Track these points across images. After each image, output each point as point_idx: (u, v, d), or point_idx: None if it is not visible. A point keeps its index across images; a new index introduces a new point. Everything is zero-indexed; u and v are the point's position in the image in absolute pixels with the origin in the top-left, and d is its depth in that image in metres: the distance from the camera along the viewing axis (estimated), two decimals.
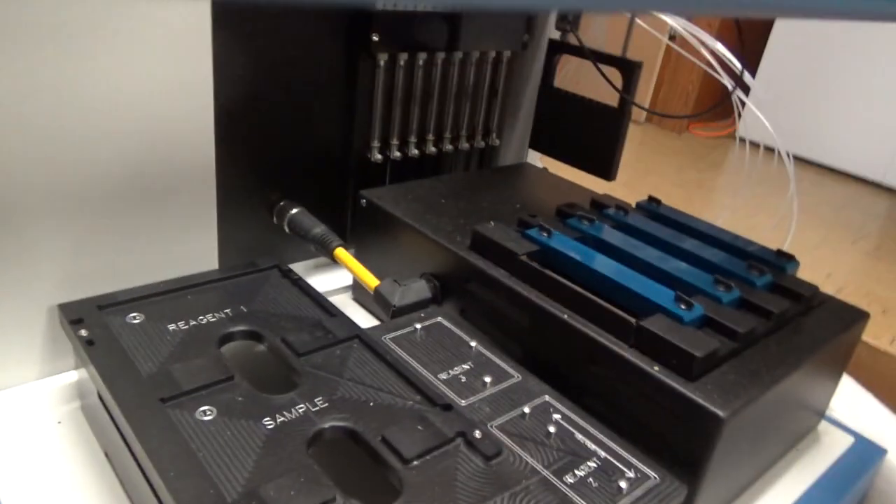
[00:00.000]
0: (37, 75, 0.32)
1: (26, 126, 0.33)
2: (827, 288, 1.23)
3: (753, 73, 1.84)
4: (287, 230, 0.48)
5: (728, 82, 0.60)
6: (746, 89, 0.62)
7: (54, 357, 0.38)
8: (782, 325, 0.36)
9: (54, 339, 0.37)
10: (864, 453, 0.42)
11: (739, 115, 0.64)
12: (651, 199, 0.46)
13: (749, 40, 1.91)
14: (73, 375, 0.38)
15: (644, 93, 1.89)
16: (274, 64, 0.44)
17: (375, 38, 0.45)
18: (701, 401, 0.29)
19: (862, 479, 0.40)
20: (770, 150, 2.01)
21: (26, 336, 0.36)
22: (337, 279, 0.50)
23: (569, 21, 0.47)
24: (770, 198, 1.63)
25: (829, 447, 0.41)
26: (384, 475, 0.28)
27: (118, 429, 0.30)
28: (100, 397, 0.32)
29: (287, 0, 0.36)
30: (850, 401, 0.47)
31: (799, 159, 1.83)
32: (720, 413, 0.29)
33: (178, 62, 0.36)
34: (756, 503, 0.36)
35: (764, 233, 1.46)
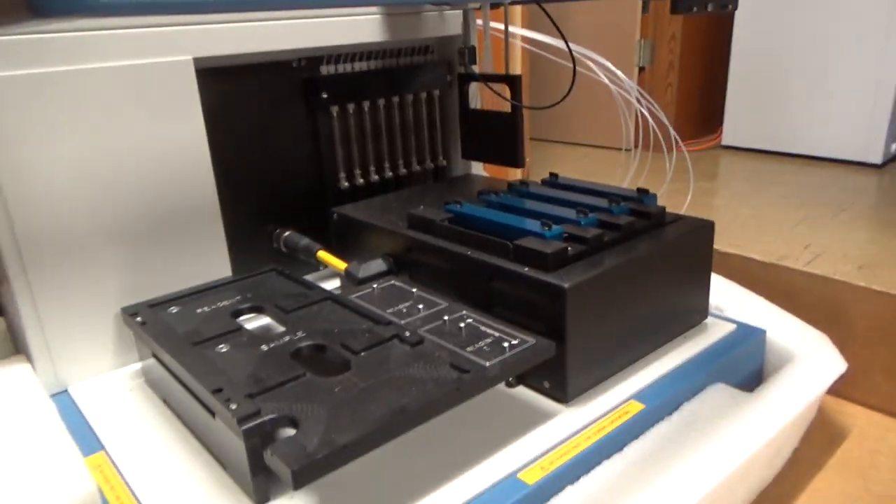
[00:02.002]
0: (91, 148, 0.48)
1: (89, 183, 0.49)
2: (804, 256, 1.32)
3: (725, 83, 1.97)
4: (284, 250, 0.62)
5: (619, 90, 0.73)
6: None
7: (123, 353, 0.52)
8: (632, 236, 0.48)
9: (121, 339, 0.52)
10: (743, 333, 0.53)
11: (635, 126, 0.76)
12: (551, 174, 0.60)
13: (712, 52, 2.05)
14: (137, 365, 0.52)
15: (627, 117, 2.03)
16: (253, 123, 0.60)
17: (325, 96, 0.61)
18: (552, 280, 0.42)
19: (739, 349, 0.51)
20: (756, 151, 2.13)
21: (100, 336, 0.51)
22: (329, 286, 0.64)
23: (465, 57, 0.63)
24: (754, 193, 1.72)
25: (713, 332, 0.52)
26: (342, 364, 0.41)
27: (167, 367, 0.44)
28: (154, 357, 0.46)
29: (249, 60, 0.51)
30: (742, 304, 0.58)
31: (785, 154, 1.92)
32: (564, 285, 0.41)
33: (180, 129, 0.52)
34: (643, 370, 0.47)
35: (746, 221, 1.55)
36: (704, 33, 2.00)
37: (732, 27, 1.92)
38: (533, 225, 0.47)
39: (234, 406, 0.36)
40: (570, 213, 0.49)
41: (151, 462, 0.41)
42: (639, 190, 0.53)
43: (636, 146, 2.10)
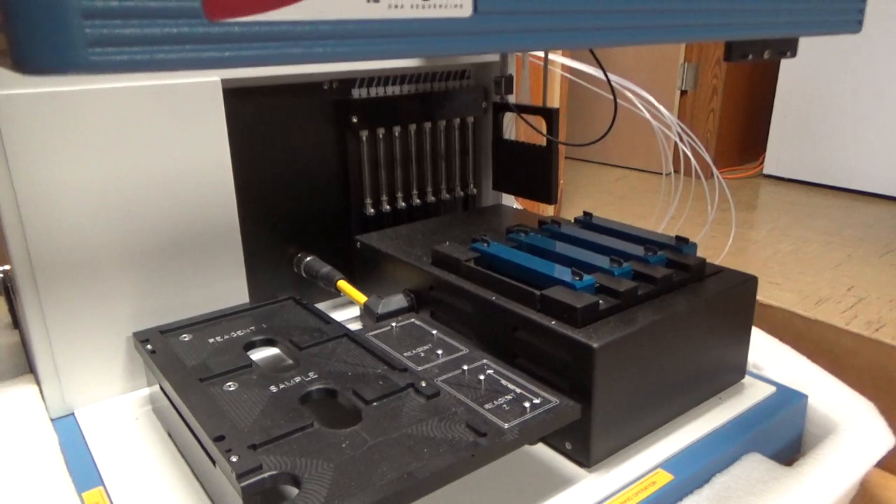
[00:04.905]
0: (109, 168, 0.47)
1: (106, 204, 0.47)
2: (847, 300, 1.27)
3: (770, 110, 1.91)
4: (304, 275, 0.61)
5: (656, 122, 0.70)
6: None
7: (132, 377, 0.51)
8: (669, 289, 0.45)
9: (132, 363, 0.51)
10: (784, 397, 0.49)
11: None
12: (585, 213, 0.57)
13: (758, 78, 2.00)
14: (146, 391, 0.51)
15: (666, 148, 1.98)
16: (279, 144, 0.58)
17: (355, 120, 0.59)
18: (581, 338, 0.39)
19: (779, 416, 0.47)
20: (798, 182, 2.08)
21: (110, 359, 0.50)
22: (347, 314, 0.62)
23: (501, 86, 0.60)
24: (795, 227, 1.67)
25: (751, 394, 0.49)
26: (352, 413, 0.39)
27: (172, 403, 0.42)
28: (161, 388, 0.45)
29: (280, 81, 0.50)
30: (783, 363, 0.54)
31: (829, 188, 1.86)
32: (593, 345, 0.38)
33: (203, 150, 0.51)
34: (673, 434, 0.44)
35: (786, 257, 1.50)
36: None
37: None
38: (563, 273, 0.44)
39: (234, 459, 0.34)
40: (604, 261, 0.46)
41: (152, 500, 0.39)
42: (678, 238, 0.50)
43: (676, 171, 2.05)
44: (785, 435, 0.49)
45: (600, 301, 0.41)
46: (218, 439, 0.35)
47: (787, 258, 1.38)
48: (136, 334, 0.48)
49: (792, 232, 1.53)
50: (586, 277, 0.43)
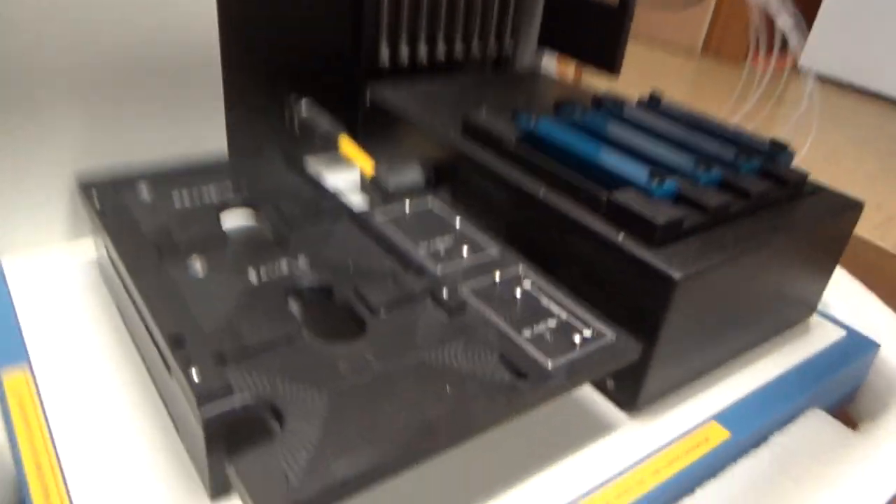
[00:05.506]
0: None
1: (52, 8, 0.35)
2: (875, 218, 1.18)
3: (816, 7, 1.73)
4: (297, 126, 0.50)
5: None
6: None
7: (77, 223, 0.42)
8: (763, 207, 0.36)
9: (77, 206, 0.41)
10: (854, 345, 0.42)
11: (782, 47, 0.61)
12: (652, 95, 0.46)
13: None
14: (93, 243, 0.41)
15: (699, 24, 1.81)
16: None
17: None
18: (658, 264, 0.30)
19: (847, 368, 0.40)
20: (833, 81, 1.93)
21: (50, 201, 0.40)
22: (345, 178, 0.52)
23: None
24: (825, 132, 1.56)
25: (818, 337, 0.41)
26: (354, 322, 0.30)
27: (121, 280, 0.33)
28: (109, 256, 0.35)
29: None
30: (851, 301, 0.47)
31: (865, 92, 1.73)
32: (674, 275, 0.29)
33: None
34: (729, 379, 0.37)
35: (815, 164, 1.41)
36: None
37: None
38: (636, 172, 0.34)
39: (195, 373, 0.25)
40: (686, 162, 0.36)
41: (88, 396, 0.31)
42: (772, 143, 0.40)
43: (705, 53, 1.89)
44: (846, 387, 0.42)
45: (684, 218, 0.32)
46: (176, 342, 0.27)
47: (817, 165, 1.29)
48: (80, 180, 0.38)
49: (823, 136, 1.43)
50: (668, 181, 0.34)
